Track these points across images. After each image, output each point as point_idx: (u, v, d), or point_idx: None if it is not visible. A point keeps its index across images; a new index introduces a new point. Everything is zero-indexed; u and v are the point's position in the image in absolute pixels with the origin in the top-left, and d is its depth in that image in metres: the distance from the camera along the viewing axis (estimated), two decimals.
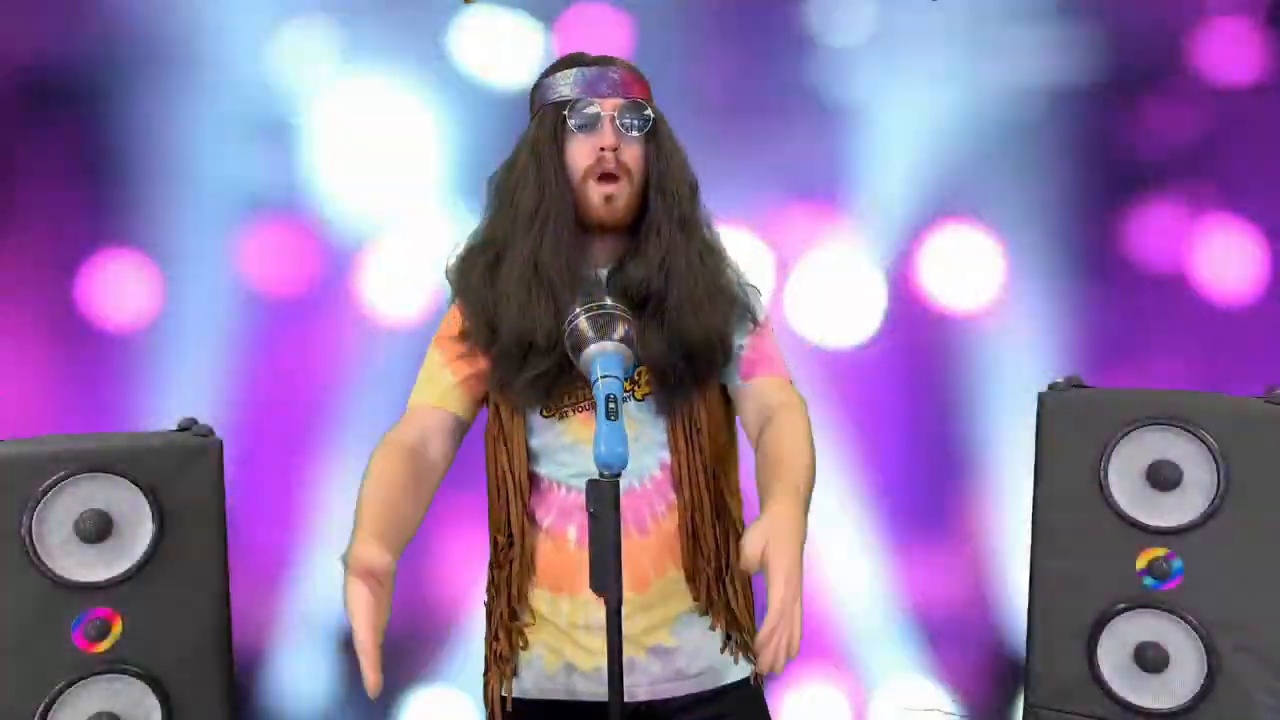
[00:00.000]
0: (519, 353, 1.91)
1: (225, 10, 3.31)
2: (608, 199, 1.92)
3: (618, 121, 1.92)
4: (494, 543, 2.02)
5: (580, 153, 1.93)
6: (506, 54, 3.39)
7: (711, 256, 2.00)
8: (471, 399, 1.99)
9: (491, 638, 2.03)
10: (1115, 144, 3.44)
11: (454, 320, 2.01)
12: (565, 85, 1.95)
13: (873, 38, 3.48)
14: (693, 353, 1.91)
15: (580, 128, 1.92)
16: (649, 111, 1.95)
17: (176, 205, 3.36)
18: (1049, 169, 3.45)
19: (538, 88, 2.01)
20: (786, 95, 3.51)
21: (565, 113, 1.93)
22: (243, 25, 3.34)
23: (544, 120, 1.96)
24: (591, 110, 1.92)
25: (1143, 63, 3.40)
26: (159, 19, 3.29)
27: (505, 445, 1.98)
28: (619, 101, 1.93)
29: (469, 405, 1.99)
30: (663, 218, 1.94)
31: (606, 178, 1.92)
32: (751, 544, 1.60)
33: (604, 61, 1.98)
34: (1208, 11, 3.38)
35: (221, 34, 3.31)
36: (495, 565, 2.03)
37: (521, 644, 1.99)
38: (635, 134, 1.94)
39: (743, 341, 2.03)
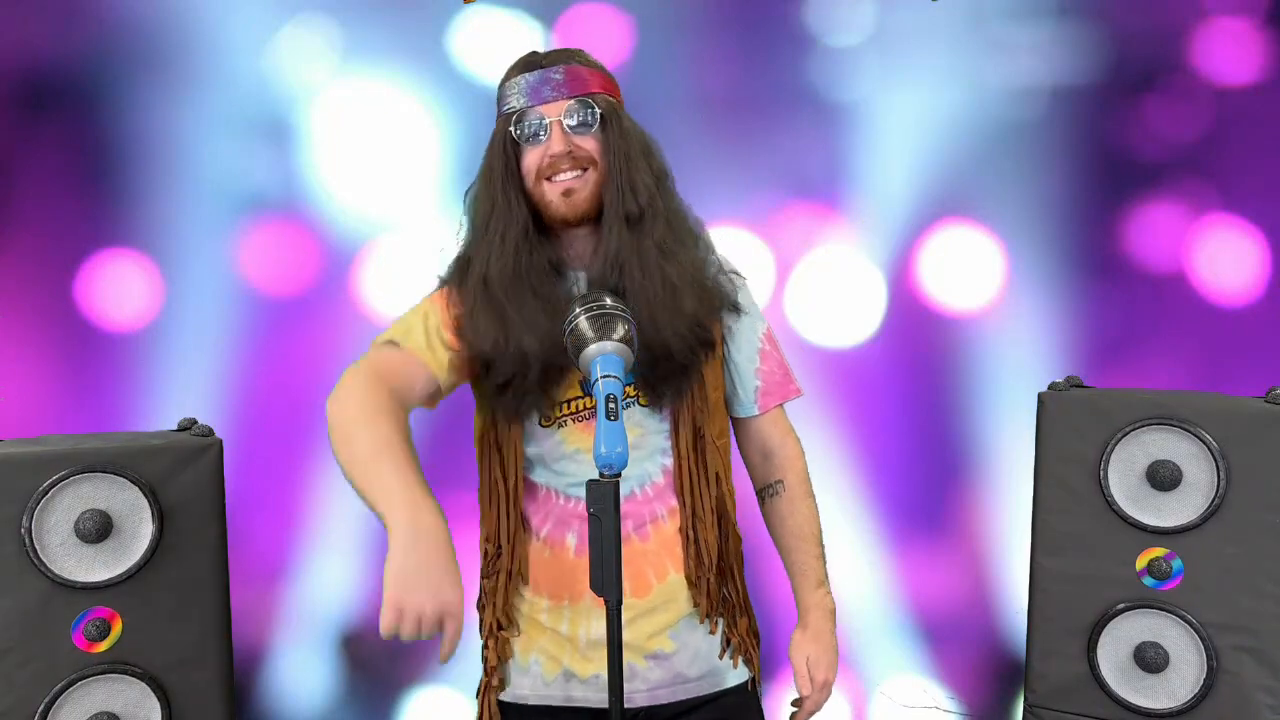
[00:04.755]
0: (483, 366, 1.91)
1: (225, 10, 3.31)
2: (566, 193, 1.90)
3: (565, 124, 1.91)
4: (484, 553, 2.00)
5: (532, 159, 1.92)
6: (506, 54, 3.38)
7: (675, 247, 1.95)
8: (457, 378, 1.94)
9: (482, 647, 2.02)
10: (1115, 144, 3.44)
11: (439, 298, 1.98)
12: (513, 95, 1.94)
13: (873, 38, 3.48)
14: (654, 354, 1.89)
15: (528, 138, 1.91)
16: (596, 106, 1.92)
17: (176, 205, 3.35)
18: (1049, 169, 3.45)
19: (497, 99, 1.99)
20: (786, 95, 3.51)
21: (511, 126, 1.92)
22: (243, 25, 3.33)
23: (496, 133, 1.96)
24: (537, 118, 1.91)
25: (1143, 63, 3.40)
26: (159, 19, 3.29)
27: (499, 452, 1.96)
28: (565, 103, 1.91)
29: (452, 381, 1.94)
30: (610, 214, 1.92)
31: (563, 179, 1.90)
32: (801, 662, 2.02)
33: (551, 61, 1.95)
34: (1208, 11, 3.37)
35: (221, 34, 3.31)
36: (484, 575, 2.01)
37: (509, 653, 1.98)
38: (587, 130, 1.91)
39: (752, 362, 2.05)
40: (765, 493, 2.12)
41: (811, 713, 2.05)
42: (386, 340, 1.94)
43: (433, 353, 1.92)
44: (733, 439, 2.11)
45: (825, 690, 2.03)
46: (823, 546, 2.09)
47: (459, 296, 1.96)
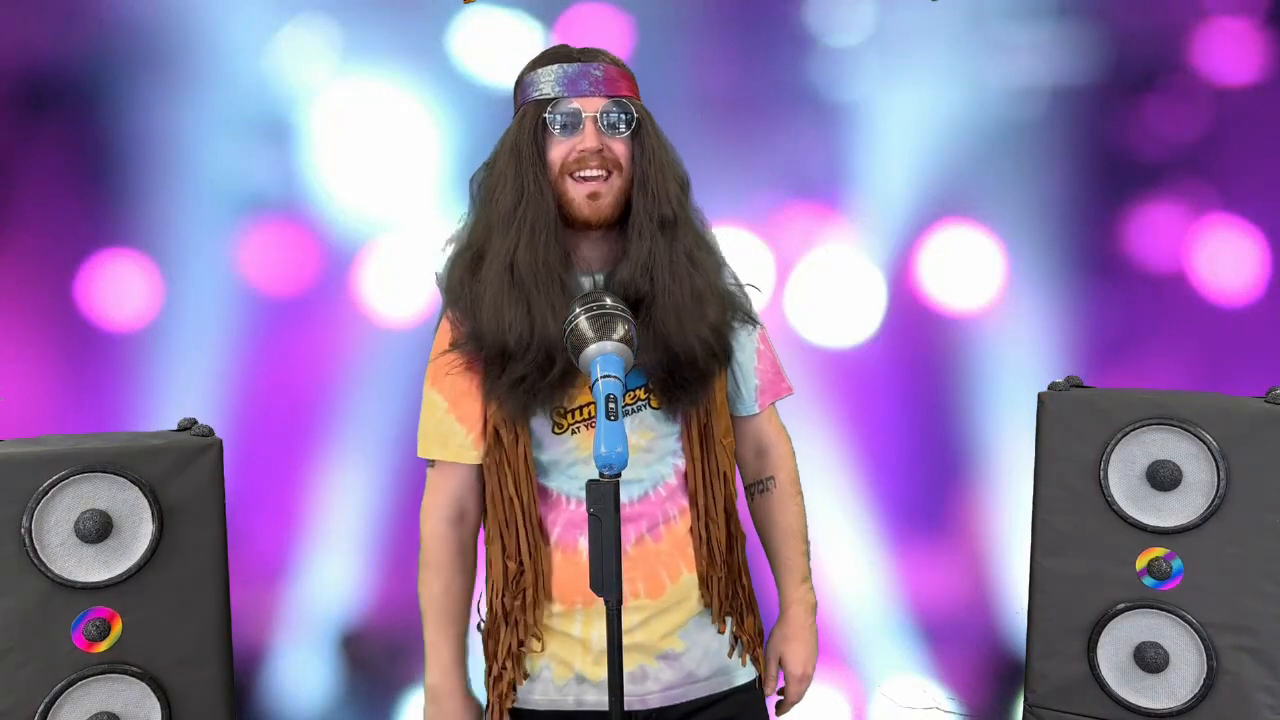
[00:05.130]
0: (498, 359, 1.89)
1: (225, 10, 3.30)
2: (591, 196, 1.89)
3: (600, 121, 1.89)
4: (504, 570, 1.97)
5: (560, 152, 1.89)
6: (506, 54, 3.39)
7: (702, 256, 1.96)
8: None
9: (495, 662, 1.99)
10: (1115, 144, 3.43)
11: (443, 342, 1.97)
12: (546, 83, 1.90)
13: (873, 37, 3.48)
14: (678, 360, 1.89)
15: (561, 128, 1.89)
16: (633, 109, 1.91)
17: (176, 205, 3.35)
18: (1049, 169, 3.45)
19: (520, 84, 1.96)
20: (786, 95, 3.51)
21: (545, 113, 1.89)
22: (242, 25, 3.33)
23: (525, 119, 1.91)
24: (572, 110, 1.88)
25: (1143, 63, 3.40)
26: (159, 19, 3.29)
27: (509, 469, 1.94)
28: (602, 100, 1.89)
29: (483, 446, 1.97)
30: (644, 219, 1.90)
31: (589, 177, 1.88)
32: (773, 661, 2.10)
33: (587, 56, 1.93)
34: (1208, 11, 3.37)
35: (221, 34, 3.31)
36: (506, 592, 1.97)
37: (526, 673, 1.97)
38: (619, 133, 1.90)
39: (752, 361, 2.05)
40: (755, 489, 2.14)
41: (793, 703, 2.11)
42: (422, 455, 2.02)
43: (451, 447, 1.98)
44: None
45: (804, 683, 2.10)
46: (808, 544, 2.13)
47: (464, 312, 1.94)
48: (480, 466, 1.98)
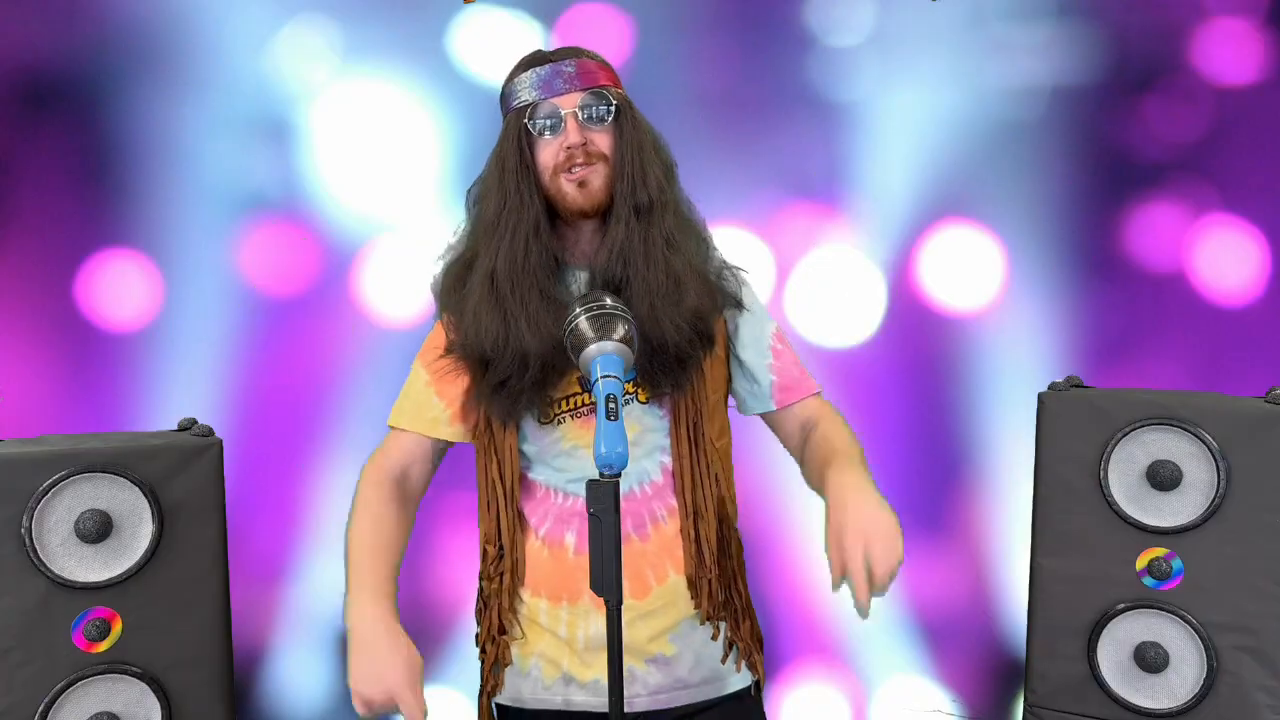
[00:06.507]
0: (480, 365, 1.91)
1: (225, 10, 3.31)
2: (581, 183, 1.90)
3: (580, 116, 1.91)
4: (484, 554, 2.00)
5: (548, 153, 1.91)
6: (506, 54, 3.38)
7: (683, 240, 1.95)
8: (466, 425, 1.99)
9: (481, 650, 2.02)
10: (1115, 144, 3.43)
11: (439, 334, 2.00)
12: (524, 89, 1.93)
13: (873, 38, 3.47)
14: (652, 345, 1.88)
15: (543, 130, 1.91)
16: (611, 98, 1.93)
17: (176, 205, 3.35)
18: (1049, 169, 3.44)
19: (503, 97, 1.99)
20: (787, 95, 3.51)
21: (526, 119, 1.91)
22: (243, 25, 3.33)
23: (508, 128, 1.95)
24: (551, 110, 1.90)
25: (1143, 63, 3.40)
26: (159, 19, 3.29)
27: (495, 455, 1.96)
28: (579, 95, 1.91)
29: (462, 431, 1.99)
30: (621, 205, 1.92)
31: (579, 168, 1.90)
32: (851, 548, 1.73)
33: (560, 56, 1.95)
34: (1208, 11, 3.37)
35: (221, 34, 3.31)
36: (485, 577, 2.01)
37: (508, 659, 1.98)
38: (600, 124, 1.92)
39: (765, 358, 2.03)
40: (803, 445, 2.02)
41: (864, 597, 1.78)
42: (389, 424, 2.03)
43: (423, 419, 1.99)
44: (736, 445, 2.10)
45: (871, 568, 1.75)
46: (865, 464, 1.88)
47: (454, 317, 1.96)
48: (440, 443, 2.01)
